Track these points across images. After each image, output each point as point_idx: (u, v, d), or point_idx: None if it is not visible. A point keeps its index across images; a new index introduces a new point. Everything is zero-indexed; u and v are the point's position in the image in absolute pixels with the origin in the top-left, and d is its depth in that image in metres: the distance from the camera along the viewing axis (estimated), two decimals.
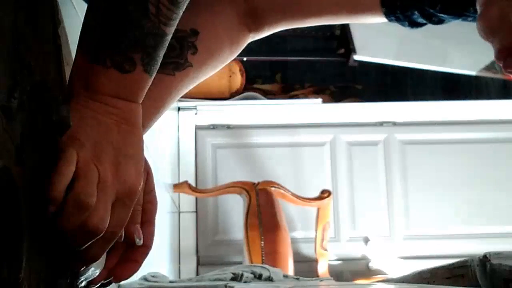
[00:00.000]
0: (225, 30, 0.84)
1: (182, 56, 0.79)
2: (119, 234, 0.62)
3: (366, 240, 3.16)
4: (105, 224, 0.58)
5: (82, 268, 0.64)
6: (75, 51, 0.63)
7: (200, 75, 0.82)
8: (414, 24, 0.85)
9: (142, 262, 0.71)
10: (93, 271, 0.67)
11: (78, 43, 0.62)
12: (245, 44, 0.89)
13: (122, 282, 1.24)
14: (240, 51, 0.89)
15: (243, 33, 0.87)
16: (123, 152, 0.61)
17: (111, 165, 0.60)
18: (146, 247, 0.71)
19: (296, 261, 2.67)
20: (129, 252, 0.70)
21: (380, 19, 0.85)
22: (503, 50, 0.67)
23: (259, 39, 0.91)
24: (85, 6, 0.62)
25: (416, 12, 0.83)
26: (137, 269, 0.70)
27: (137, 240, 0.68)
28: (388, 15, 0.83)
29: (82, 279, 0.66)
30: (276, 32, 0.90)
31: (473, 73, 3.45)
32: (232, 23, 0.85)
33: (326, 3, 0.85)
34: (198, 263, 3.12)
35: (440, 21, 0.84)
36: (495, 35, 0.68)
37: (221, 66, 0.86)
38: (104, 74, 0.60)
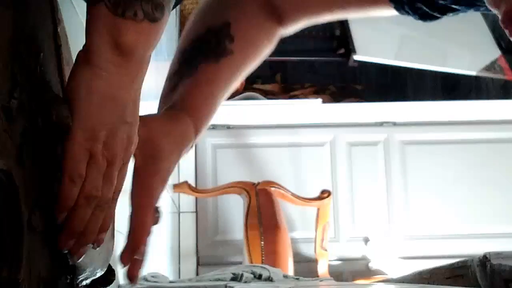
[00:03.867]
0: (254, 20, 0.86)
1: (220, 46, 0.81)
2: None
3: (366, 240, 3.16)
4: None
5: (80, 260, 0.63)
6: (75, 51, 0.63)
7: (245, 64, 0.84)
8: (426, 17, 0.84)
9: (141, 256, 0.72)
10: (92, 271, 0.66)
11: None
12: (278, 36, 0.90)
13: (121, 282, 1.24)
14: (274, 42, 0.90)
15: (273, 25, 0.88)
16: (128, 121, 0.59)
17: (119, 144, 0.59)
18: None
19: (296, 261, 2.67)
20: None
21: (392, 12, 0.85)
22: (510, 11, 0.63)
23: None
24: (85, 6, 0.62)
25: (423, 7, 0.82)
26: (140, 264, 0.72)
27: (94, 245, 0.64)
28: (398, 9, 0.83)
29: (81, 278, 0.66)
30: None
31: (473, 73, 3.45)
32: (259, 15, 0.87)
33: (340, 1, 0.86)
34: (198, 263, 3.12)
35: (453, 11, 0.82)
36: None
37: (262, 55, 0.87)
38: (136, 29, 0.55)
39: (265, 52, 0.88)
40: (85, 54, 0.57)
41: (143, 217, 0.69)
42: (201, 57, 0.80)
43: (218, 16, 0.84)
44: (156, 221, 0.71)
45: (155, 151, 0.71)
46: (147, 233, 0.70)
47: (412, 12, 0.83)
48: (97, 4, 0.55)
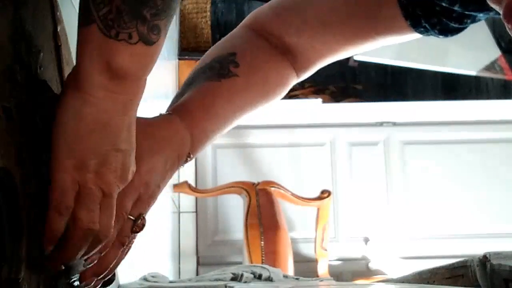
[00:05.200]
0: (262, 51, 0.83)
1: (224, 69, 0.78)
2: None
3: (366, 240, 3.16)
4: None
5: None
6: (75, 51, 0.62)
7: (250, 89, 0.80)
8: (446, 31, 0.81)
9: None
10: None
11: (84, 18, 0.52)
12: (291, 77, 0.87)
13: (121, 282, 1.24)
14: (287, 80, 0.86)
15: (285, 64, 0.85)
16: (122, 148, 0.56)
17: (115, 174, 0.56)
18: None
19: (296, 261, 2.67)
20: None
21: (410, 34, 0.82)
22: (510, 3, 0.60)
23: None
24: None
25: (442, 19, 0.79)
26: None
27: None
28: (415, 27, 0.80)
29: (73, 279, 0.65)
30: None
31: (473, 73, 3.45)
32: (268, 49, 0.84)
33: (350, 31, 0.83)
34: (198, 263, 3.12)
35: (469, 18, 0.79)
36: None
37: (271, 89, 0.84)
38: (130, 52, 0.52)
39: (275, 87, 0.84)
40: (74, 78, 0.54)
41: None
42: (204, 78, 0.78)
43: (224, 48, 0.82)
44: (135, 229, 0.65)
45: None
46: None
47: (430, 28, 0.80)
48: (88, 25, 0.52)
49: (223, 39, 0.87)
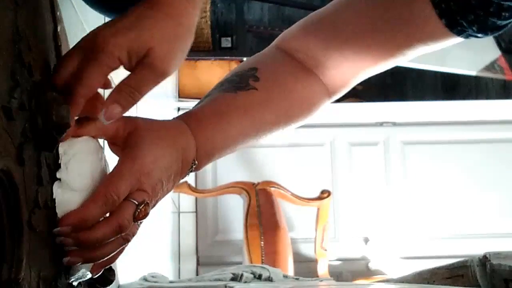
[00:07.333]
0: (284, 65, 0.82)
1: (242, 82, 0.78)
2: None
3: (366, 240, 3.16)
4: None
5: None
6: None
7: (269, 101, 0.79)
8: (487, 29, 0.76)
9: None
10: (84, 272, 0.65)
11: None
12: (322, 96, 0.86)
13: (121, 282, 1.24)
14: (318, 98, 0.86)
15: (313, 78, 0.84)
16: None
17: None
18: None
19: (296, 261, 2.67)
20: None
21: (450, 37, 0.77)
22: None
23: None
24: (85, 6, 0.62)
25: (474, 15, 0.73)
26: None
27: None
28: (452, 28, 0.75)
29: (72, 279, 0.65)
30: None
31: (473, 73, 3.45)
32: (292, 64, 0.83)
33: (381, 38, 0.80)
34: (198, 263, 3.12)
35: (508, 11, 0.73)
36: None
37: (300, 105, 0.84)
38: None
39: (300, 103, 0.83)
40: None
41: (90, 198, 0.61)
42: (220, 90, 0.77)
43: (247, 64, 0.81)
44: (138, 215, 0.63)
45: (135, 143, 0.65)
46: (78, 216, 0.59)
47: (468, 26, 0.75)
48: None
49: (248, 58, 0.86)
